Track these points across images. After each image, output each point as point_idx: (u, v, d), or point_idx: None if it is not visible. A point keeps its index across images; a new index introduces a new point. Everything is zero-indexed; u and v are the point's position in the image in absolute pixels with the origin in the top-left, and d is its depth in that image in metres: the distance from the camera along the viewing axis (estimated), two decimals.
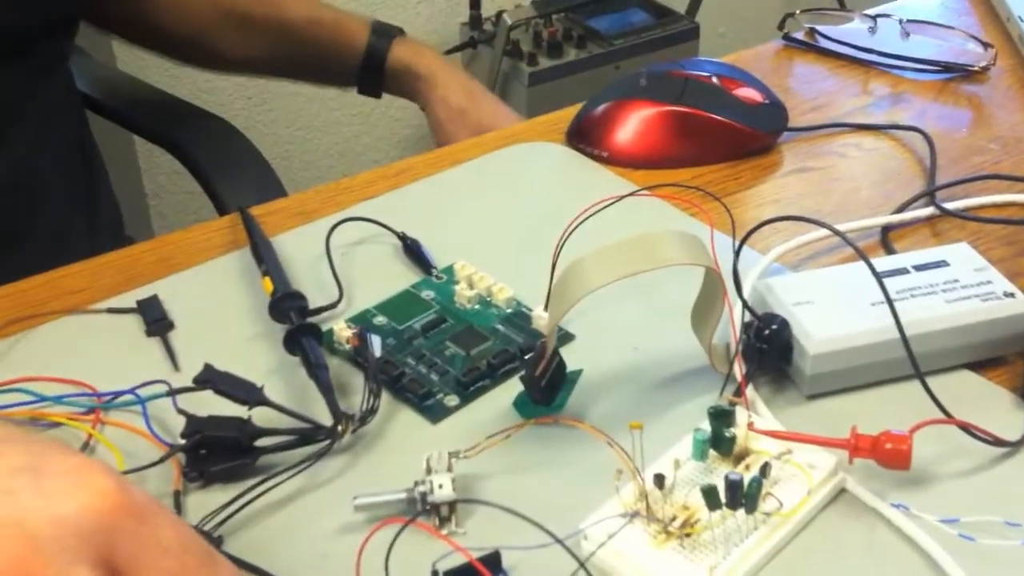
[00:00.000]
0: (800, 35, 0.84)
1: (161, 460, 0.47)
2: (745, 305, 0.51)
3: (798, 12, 0.84)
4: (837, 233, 0.50)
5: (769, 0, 2.14)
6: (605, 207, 0.53)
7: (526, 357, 0.53)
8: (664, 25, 1.76)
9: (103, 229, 0.89)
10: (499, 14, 1.68)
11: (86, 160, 0.88)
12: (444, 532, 0.44)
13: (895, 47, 0.80)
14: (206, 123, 0.93)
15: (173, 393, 0.48)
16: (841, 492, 0.46)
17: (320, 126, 1.77)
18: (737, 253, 0.51)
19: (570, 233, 0.52)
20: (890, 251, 0.61)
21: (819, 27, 0.84)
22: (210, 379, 0.47)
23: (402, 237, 0.62)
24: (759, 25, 2.13)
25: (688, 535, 0.43)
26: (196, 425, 0.47)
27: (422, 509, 0.45)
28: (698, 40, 1.79)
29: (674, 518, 0.43)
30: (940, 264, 0.54)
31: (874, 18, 0.81)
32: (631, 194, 0.53)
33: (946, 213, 0.63)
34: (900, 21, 0.81)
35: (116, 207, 0.93)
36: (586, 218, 0.53)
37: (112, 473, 0.34)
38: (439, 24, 1.79)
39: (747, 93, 0.71)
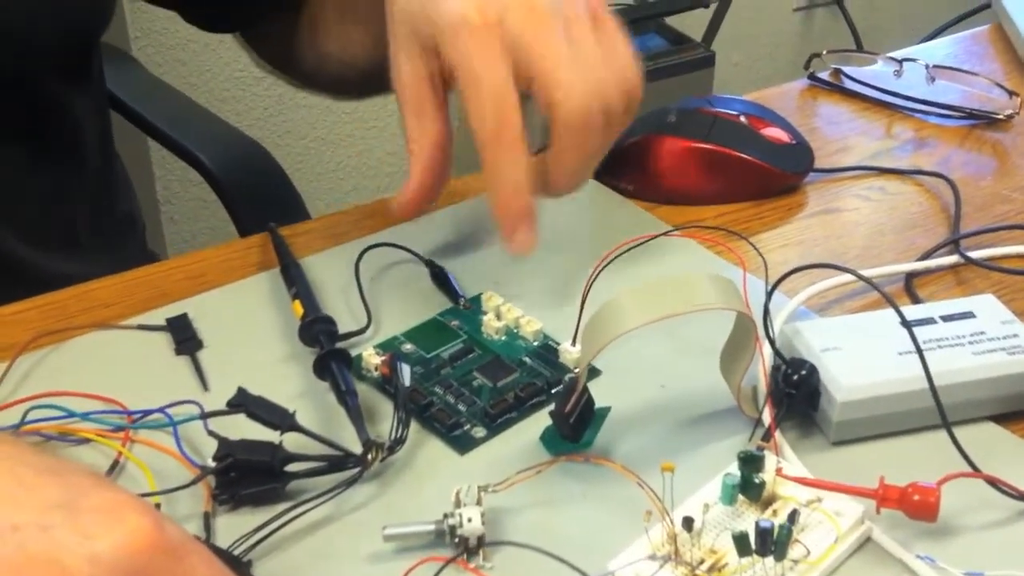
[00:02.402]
0: (825, 75, 0.85)
1: (193, 483, 0.47)
2: (774, 349, 0.51)
3: (825, 52, 0.85)
4: (867, 281, 0.51)
5: (784, 32, 2.16)
6: (636, 246, 0.54)
7: (553, 391, 0.54)
8: (680, 52, 1.77)
9: (123, 233, 0.89)
10: None
11: (109, 164, 0.88)
12: (472, 566, 0.45)
13: (920, 91, 0.81)
14: (234, 144, 0.94)
15: (205, 416, 0.48)
16: (867, 541, 0.46)
17: (333, 139, 1.77)
18: (769, 295, 0.51)
19: (600, 270, 0.53)
20: (914, 298, 0.61)
21: (844, 68, 0.85)
22: (243, 403, 0.48)
23: (430, 264, 0.62)
24: (774, 55, 2.15)
25: None
26: (228, 448, 0.47)
27: (451, 541, 0.45)
28: (713, 68, 1.80)
29: (702, 561, 0.44)
30: (967, 315, 0.54)
31: (900, 62, 0.82)
32: (663, 234, 0.53)
33: (970, 262, 0.63)
34: (926, 66, 0.81)
35: (138, 213, 0.94)
36: (615, 257, 0.53)
37: (148, 510, 0.34)
38: None
39: (774, 133, 0.72)
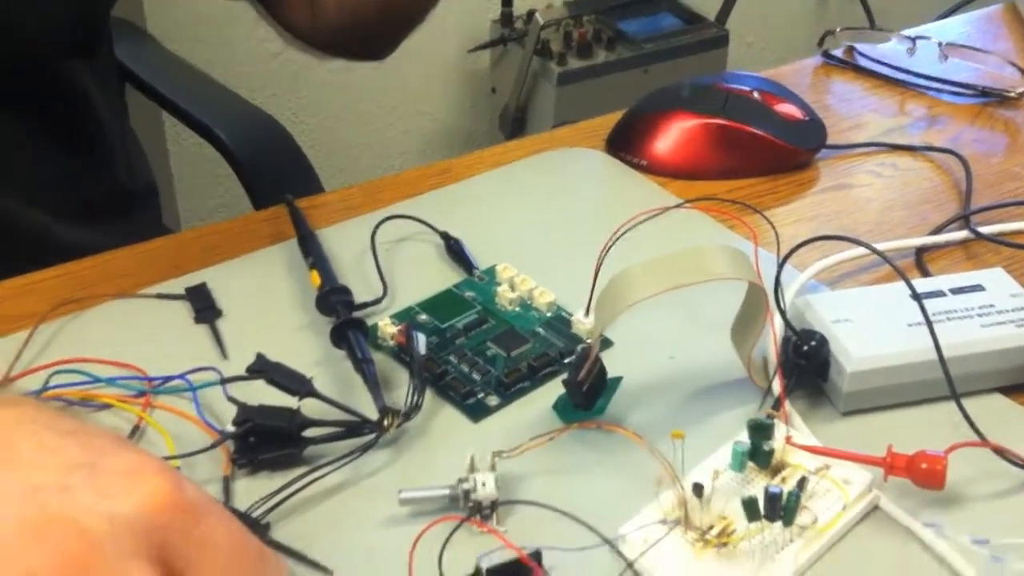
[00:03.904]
0: (839, 53, 0.85)
1: (212, 446, 0.48)
2: (785, 321, 0.52)
3: (838, 30, 0.85)
4: (878, 254, 0.51)
5: (798, 12, 2.15)
6: (648, 219, 0.54)
7: (566, 361, 0.55)
8: (694, 31, 1.77)
9: (138, 206, 0.90)
10: (531, 13, 1.69)
11: (123, 137, 0.89)
12: (485, 529, 0.46)
13: (933, 69, 0.81)
14: (252, 120, 0.94)
15: (224, 381, 0.49)
16: (874, 509, 0.47)
17: (348, 116, 1.78)
18: (780, 267, 0.52)
19: (613, 242, 0.53)
20: (925, 272, 0.62)
21: (858, 46, 0.85)
22: (263, 369, 0.48)
23: (445, 236, 0.63)
24: (788, 35, 2.14)
25: (725, 544, 0.44)
26: (247, 414, 0.48)
27: (465, 506, 0.46)
28: (727, 47, 1.80)
29: (711, 527, 0.44)
30: (976, 288, 0.55)
31: (913, 39, 0.82)
32: (676, 206, 0.54)
33: (980, 237, 0.64)
34: (939, 44, 0.81)
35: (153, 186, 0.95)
36: (628, 229, 0.54)
37: (168, 471, 0.35)
38: (470, 19, 1.80)
39: (787, 109, 0.72)
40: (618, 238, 0.53)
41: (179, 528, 0.34)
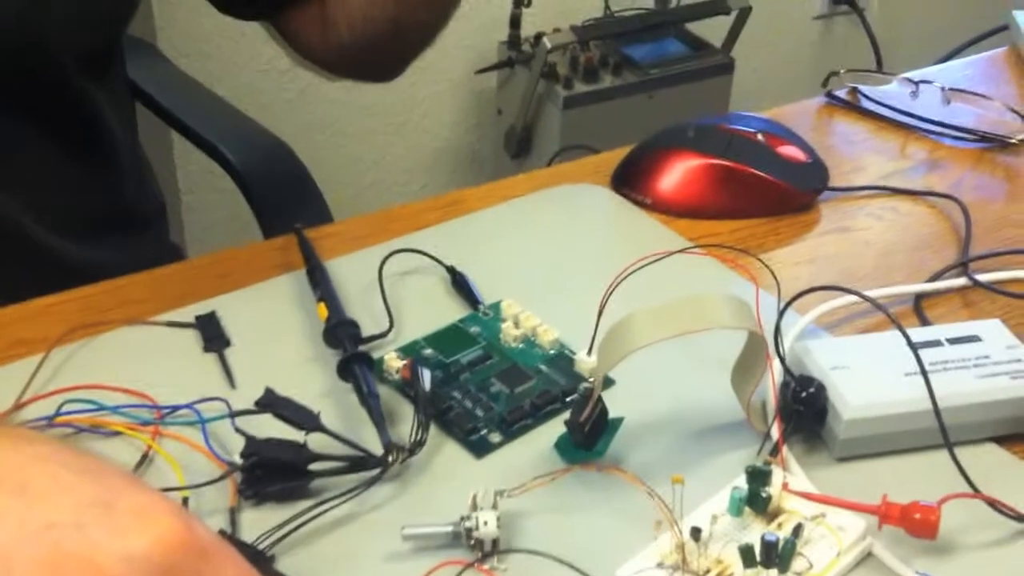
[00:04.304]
0: (843, 93, 0.87)
1: (220, 479, 0.49)
2: (784, 367, 0.53)
3: (843, 71, 0.86)
4: (877, 305, 0.52)
5: (804, 40, 2.16)
6: (653, 262, 0.55)
7: (568, 399, 0.56)
8: (700, 58, 1.79)
9: (146, 222, 0.91)
10: (539, 36, 1.70)
11: (134, 154, 0.90)
12: (487, 567, 0.47)
13: (935, 113, 0.83)
14: (260, 141, 0.95)
15: (234, 415, 0.50)
16: (868, 556, 0.48)
17: (353, 133, 1.79)
18: (781, 314, 0.53)
19: (617, 284, 0.54)
20: (923, 319, 0.63)
21: (861, 87, 0.86)
22: (271, 403, 0.49)
23: (451, 270, 0.64)
24: (793, 63, 2.16)
25: None
26: (254, 447, 0.49)
27: (467, 543, 0.47)
28: (732, 75, 1.81)
29: (708, 571, 0.45)
30: (973, 339, 0.56)
31: (916, 83, 0.83)
32: (680, 251, 0.55)
33: (978, 285, 0.65)
34: (941, 88, 0.83)
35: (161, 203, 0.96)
36: (633, 272, 0.55)
37: (180, 511, 0.36)
38: (478, 41, 1.81)
39: (790, 151, 0.73)
40: (622, 280, 0.54)
41: (190, 568, 0.35)
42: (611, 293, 0.54)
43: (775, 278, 0.56)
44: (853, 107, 0.85)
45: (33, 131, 0.74)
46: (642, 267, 0.55)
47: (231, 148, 0.94)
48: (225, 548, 0.36)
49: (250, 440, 0.49)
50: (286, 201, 0.90)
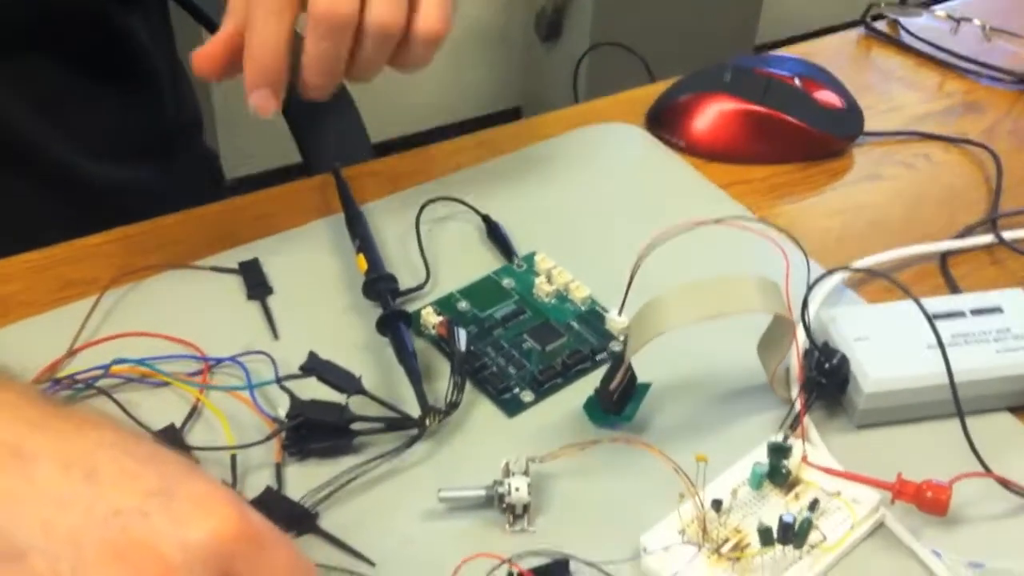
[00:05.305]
0: (882, 24, 0.86)
1: (268, 438, 0.51)
2: (809, 338, 0.55)
3: (883, 3, 0.85)
4: (901, 287, 0.53)
5: None
6: (688, 231, 0.56)
7: (597, 358, 0.58)
8: None
9: (185, 137, 0.92)
10: None
11: (170, 73, 0.90)
12: (517, 528, 0.49)
13: (975, 51, 0.82)
14: None
15: (280, 380, 0.53)
16: (880, 526, 0.50)
17: None
18: (810, 288, 0.54)
19: (650, 252, 0.55)
20: (948, 277, 0.64)
21: (902, 20, 0.85)
22: (315, 368, 0.52)
23: (486, 219, 0.65)
24: None
25: (738, 559, 0.47)
26: (300, 408, 0.51)
27: (499, 507, 0.49)
28: None
29: (726, 540, 0.48)
30: (995, 310, 0.57)
31: (957, 20, 0.83)
32: (714, 222, 0.56)
33: (1004, 244, 0.66)
34: (983, 27, 0.82)
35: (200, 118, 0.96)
36: (665, 240, 0.56)
37: (236, 501, 0.38)
38: None
39: (827, 97, 0.73)
40: (655, 247, 0.55)
41: (245, 556, 0.37)
42: (642, 261, 0.55)
43: (804, 253, 0.57)
44: (892, 40, 0.85)
45: (65, 58, 0.74)
46: (672, 238, 0.56)
47: None
48: (277, 535, 0.39)
49: (295, 401, 0.52)
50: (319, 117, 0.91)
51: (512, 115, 2.07)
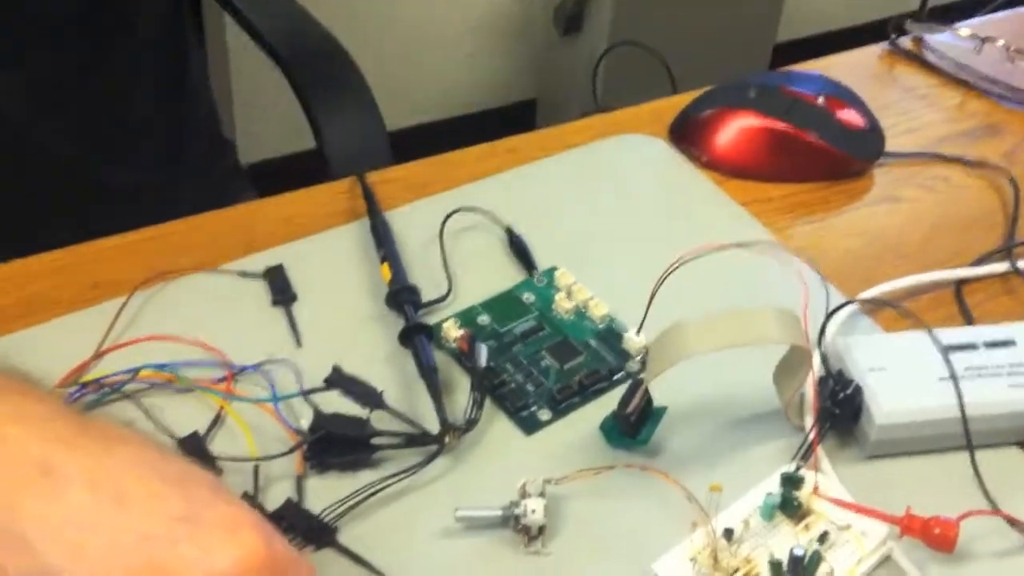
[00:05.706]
0: (906, 41, 0.86)
1: (290, 451, 0.52)
2: (825, 366, 0.56)
3: (908, 21, 0.86)
4: (917, 318, 0.54)
5: None
6: (709, 254, 0.57)
7: (615, 378, 0.58)
8: None
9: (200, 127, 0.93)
10: None
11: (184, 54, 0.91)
12: (532, 550, 0.50)
13: (998, 71, 0.82)
14: (316, 41, 0.96)
15: (305, 393, 0.54)
16: (886, 559, 0.51)
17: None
18: (828, 317, 0.55)
19: (671, 272, 0.56)
20: (963, 306, 0.65)
21: (926, 37, 0.85)
22: (338, 382, 0.53)
23: (509, 232, 0.66)
24: None
25: None
26: (322, 422, 0.52)
27: (515, 528, 0.50)
28: None
29: (737, 570, 0.49)
30: (1008, 343, 0.58)
31: (982, 40, 0.83)
32: (737, 245, 0.57)
33: (1019, 273, 0.66)
34: (1008, 47, 0.82)
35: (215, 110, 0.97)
36: (686, 261, 0.56)
37: (262, 527, 0.39)
38: None
39: (849, 116, 0.74)
40: (672, 271, 0.56)
41: None
42: (662, 282, 0.56)
43: (822, 279, 0.58)
44: (915, 57, 0.85)
45: (90, 64, 0.75)
46: (690, 260, 0.57)
47: (279, 42, 0.94)
48: (299, 561, 0.40)
49: (318, 414, 0.53)
50: (332, 89, 0.91)
51: (528, 107, 2.07)
